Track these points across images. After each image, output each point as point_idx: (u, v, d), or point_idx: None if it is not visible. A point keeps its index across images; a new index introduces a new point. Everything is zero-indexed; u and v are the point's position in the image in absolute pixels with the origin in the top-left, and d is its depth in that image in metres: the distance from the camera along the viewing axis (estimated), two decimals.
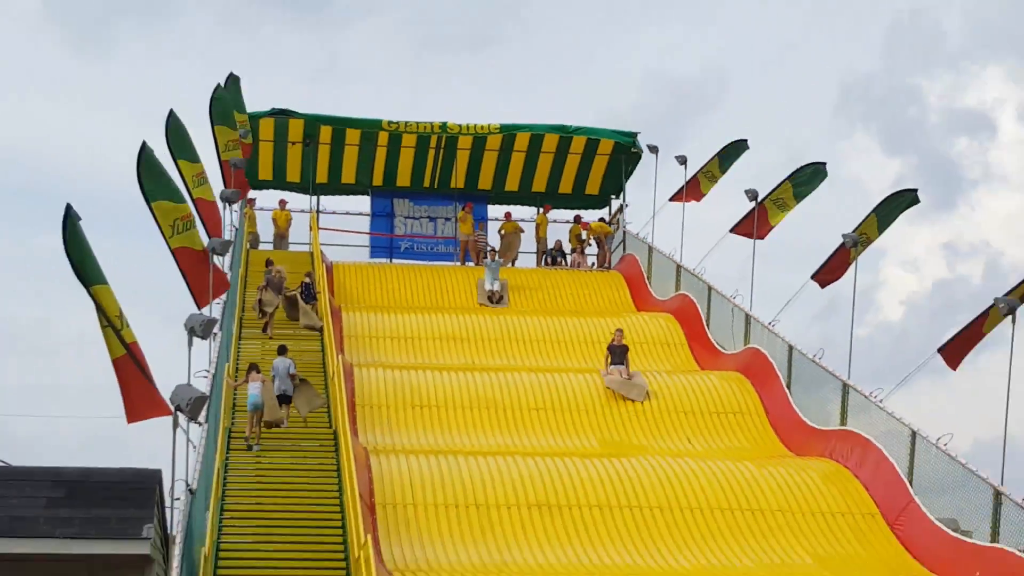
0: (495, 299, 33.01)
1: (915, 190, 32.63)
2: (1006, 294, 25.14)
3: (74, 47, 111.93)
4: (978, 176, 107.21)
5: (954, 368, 26.59)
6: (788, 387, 28.46)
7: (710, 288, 33.76)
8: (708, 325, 32.93)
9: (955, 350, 26.72)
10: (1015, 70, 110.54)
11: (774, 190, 35.43)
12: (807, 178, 35.53)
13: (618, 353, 27.91)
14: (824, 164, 35.61)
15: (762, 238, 35.61)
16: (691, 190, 38.85)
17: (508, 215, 41.77)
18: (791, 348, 29.02)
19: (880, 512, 23.67)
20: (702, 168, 38.85)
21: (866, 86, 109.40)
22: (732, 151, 38.77)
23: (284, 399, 25.32)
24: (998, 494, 22.31)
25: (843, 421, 26.45)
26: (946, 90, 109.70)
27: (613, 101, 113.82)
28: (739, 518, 23.56)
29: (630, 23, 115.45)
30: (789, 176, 35.53)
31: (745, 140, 38.81)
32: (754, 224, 35.39)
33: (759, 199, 35.33)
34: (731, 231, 36.20)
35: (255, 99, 39.83)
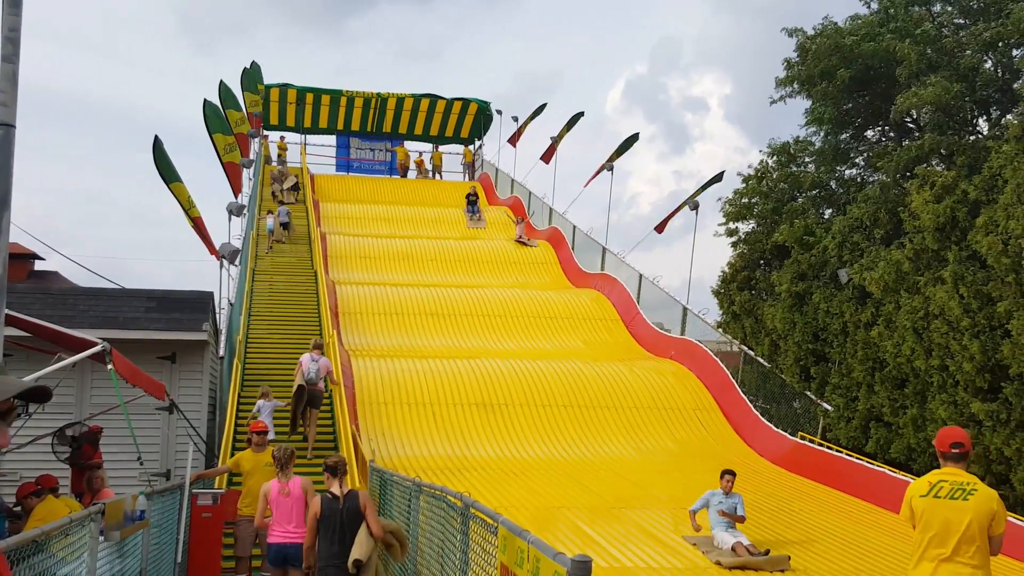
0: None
1: (637, 133, 33.19)
2: (690, 198, 25.85)
3: (193, 49, 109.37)
4: (697, 135, 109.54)
5: (660, 232, 27.72)
6: (573, 249, 28.85)
7: (530, 193, 33.81)
8: (529, 212, 33.10)
9: (660, 226, 27.61)
10: (719, 78, 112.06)
11: (559, 133, 35.90)
12: (572, 121, 35.94)
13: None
14: (582, 112, 36.18)
15: (547, 161, 36.08)
16: (516, 136, 38.83)
17: (432, 152, 41.34)
18: (575, 227, 29.40)
19: (621, 319, 24.18)
20: (526, 120, 38.97)
21: (638, 82, 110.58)
22: (537, 111, 39.15)
23: (285, 226, 27.15)
24: (685, 310, 23.10)
25: (602, 268, 26.92)
26: (681, 86, 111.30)
27: (496, 87, 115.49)
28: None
29: (505, 44, 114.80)
30: (565, 124, 36.01)
31: (544, 104, 39.21)
32: (550, 155, 35.89)
33: (555, 138, 35.82)
34: (540, 159, 36.50)
35: (280, 80, 39.76)
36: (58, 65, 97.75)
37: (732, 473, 11.85)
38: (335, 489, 8.12)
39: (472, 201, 32.72)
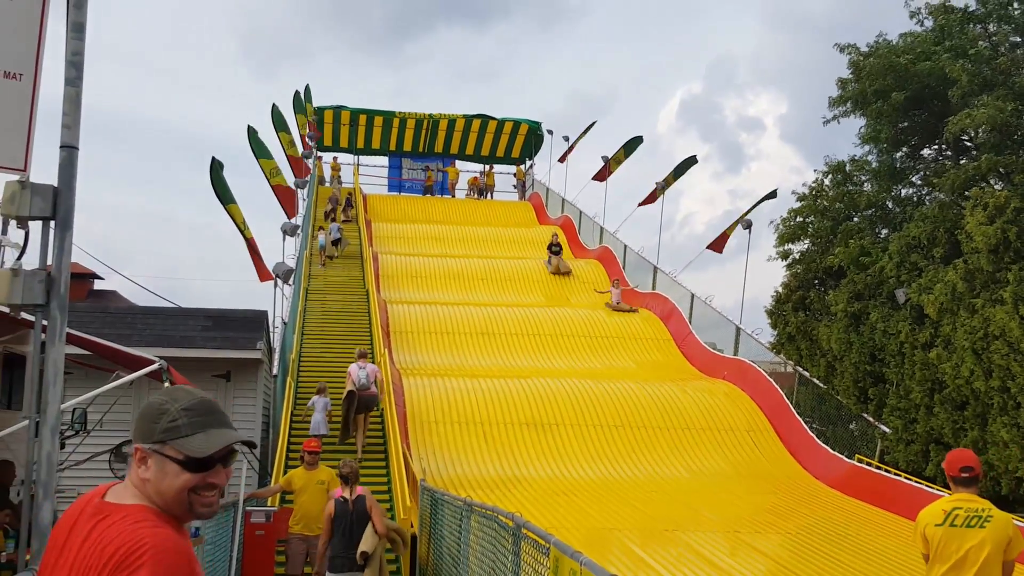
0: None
1: (695, 156, 32.94)
2: (742, 216, 25.63)
3: (253, 72, 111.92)
4: (753, 154, 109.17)
5: (720, 251, 27.37)
6: (624, 269, 28.71)
7: (580, 212, 33.75)
8: (579, 233, 33.00)
9: (717, 244, 27.36)
10: (775, 97, 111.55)
11: (615, 155, 35.66)
12: (631, 146, 35.83)
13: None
14: (641, 137, 35.95)
15: (602, 180, 35.87)
16: (565, 155, 38.83)
17: (485, 171, 41.21)
18: (625, 246, 29.28)
19: (673, 339, 24.00)
20: (576, 138, 38.94)
21: (693, 101, 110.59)
22: (586, 129, 39.11)
23: (336, 242, 27.68)
24: (738, 330, 22.85)
25: (654, 288, 26.75)
26: (736, 105, 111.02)
27: (550, 107, 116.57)
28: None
29: (560, 64, 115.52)
30: (623, 145, 35.80)
31: (594, 121, 39.02)
32: (604, 175, 35.67)
33: (608, 158, 35.63)
34: (592, 179, 36.36)
35: (338, 102, 40.26)
36: (120, 88, 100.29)
37: None
38: (346, 494, 9.58)
39: (556, 252, 28.93)
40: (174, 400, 2.32)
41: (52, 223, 4.72)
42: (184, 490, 2.26)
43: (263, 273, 22.28)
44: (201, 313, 19.35)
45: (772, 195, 26.11)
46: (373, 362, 17.62)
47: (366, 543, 9.24)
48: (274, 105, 31.12)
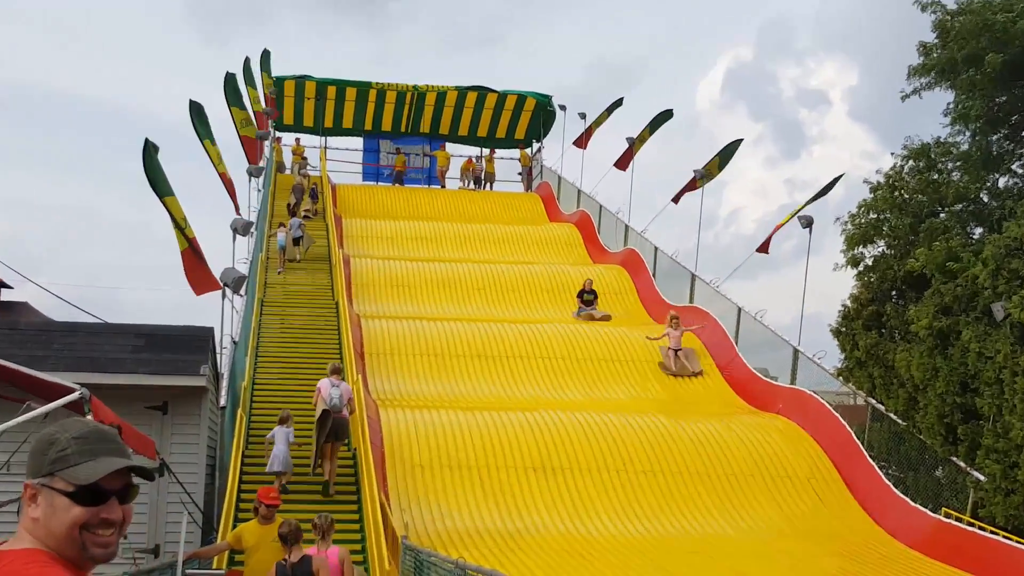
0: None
1: (740, 139, 32.93)
2: (799, 209, 25.74)
3: (200, 39, 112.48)
4: (815, 136, 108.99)
5: (766, 252, 27.62)
6: (654, 276, 28.69)
7: (600, 206, 33.85)
8: (599, 232, 33.03)
9: (765, 244, 27.55)
10: (842, 65, 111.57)
11: (639, 134, 35.66)
12: (658, 122, 35.77)
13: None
14: (671, 110, 35.87)
15: (625, 167, 35.80)
16: (584, 138, 38.68)
17: (483, 156, 41.59)
18: (656, 249, 29.31)
19: (715, 363, 23.92)
20: (596, 118, 38.85)
21: (740, 71, 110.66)
22: (612, 107, 39.07)
23: (296, 240, 28.20)
24: (796, 352, 22.83)
25: (691, 300, 26.73)
26: (795, 76, 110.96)
27: (564, 78, 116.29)
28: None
29: (578, 26, 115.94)
30: (649, 122, 35.73)
31: (621, 99, 38.98)
32: (627, 161, 35.68)
33: (632, 139, 35.59)
34: (614, 166, 36.34)
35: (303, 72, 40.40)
36: (32, 55, 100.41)
37: None
38: (291, 556, 10.32)
39: (588, 301, 27.11)
40: (65, 430, 2.51)
41: None
42: (75, 526, 2.40)
43: (200, 284, 21.96)
44: (132, 330, 19.37)
45: (835, 182, 26.19)
46: (344, 380, 17.80)
47: None
48: (229, 74, 31.29)
